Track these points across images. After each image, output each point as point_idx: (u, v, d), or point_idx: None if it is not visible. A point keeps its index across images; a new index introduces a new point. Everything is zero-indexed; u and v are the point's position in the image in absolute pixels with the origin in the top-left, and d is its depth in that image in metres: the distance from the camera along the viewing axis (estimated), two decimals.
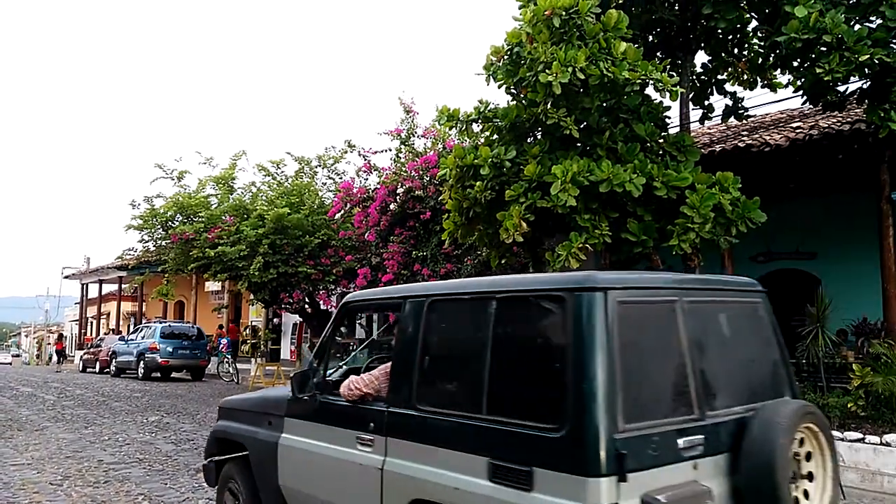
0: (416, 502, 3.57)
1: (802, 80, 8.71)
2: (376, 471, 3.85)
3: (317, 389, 4.51)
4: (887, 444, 7.43)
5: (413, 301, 4.02)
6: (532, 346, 3.35)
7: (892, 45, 8.00)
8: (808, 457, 3.55)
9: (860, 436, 7.69)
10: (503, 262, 10.80)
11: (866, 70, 8.00)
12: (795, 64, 8.75)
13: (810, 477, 3.55)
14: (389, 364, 4.15)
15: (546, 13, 8.08)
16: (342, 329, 5.07)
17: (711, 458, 3.25)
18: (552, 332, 3.24)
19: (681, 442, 3.13)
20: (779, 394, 3.79)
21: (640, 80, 8.12)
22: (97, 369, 27.03)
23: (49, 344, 56.89)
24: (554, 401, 3.06)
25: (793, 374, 4.02)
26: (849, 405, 8.20)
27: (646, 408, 3.12)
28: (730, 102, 11.09)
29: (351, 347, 20.86)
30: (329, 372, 4.50)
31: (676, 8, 9.93)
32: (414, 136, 15.55)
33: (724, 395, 3.48)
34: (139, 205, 18.80)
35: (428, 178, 14.18)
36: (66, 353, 35.48)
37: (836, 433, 7.73)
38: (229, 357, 21.62)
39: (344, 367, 5.17)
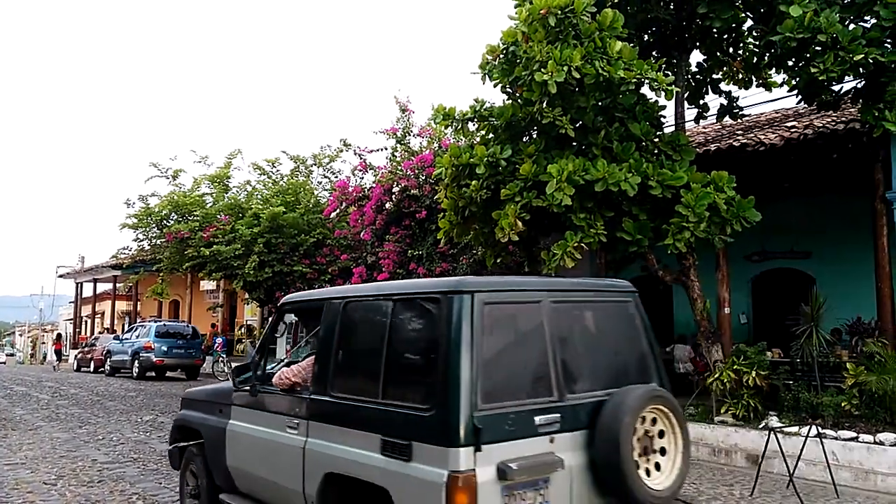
0: (329, 475, 4.10)
1: (797, 79, 8.73)
2: (300, 450, 4.38)
3: (256, 381, 5.04)
4: (881, 443, 7.45)
5: (332, 302, 4.60)
6: (415, 340, 3.97)
7: (886, 44, 8.02)
8: (661, 434, 4.07)
9: (854, 434, 7.71)
10: (499, 260, 10.81)
11: (861, 69, 8.02)
12: (790, 63, 8.77)
13: (663, 451, 4.06)
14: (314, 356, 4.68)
15: (542, 12, 8.09)
16: (279, 327, 5.84)
17: (569, 434, 3.82)
18: (429, 329, 3.80)
19: (538, 419, 3.70)
20: (645, 381, 4.27)
21: (635, 80, 8.14)
22: (92, 368, 26.94)
23: (43, 343, 56.74)
24: (428, 385, 3.63)
25: (660, 364, 4.53)
26: (843, 404, 8.23)
27: (504, 391, 3.68)
28: (725, 101, 11.12)
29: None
30: (272, 366, 4.89)
31: (672, 7, 9.94)
32: (410, 134, 15.55)
33: (584, 380, 4.04)
34: (134, 203, 18.73)
35: (424, 177, 14.17)
36: (63, 352, 35.38)
37: (829, 432, 7.76)
38: (224, 356, 21.57)
39: (286, 360, 5.60)
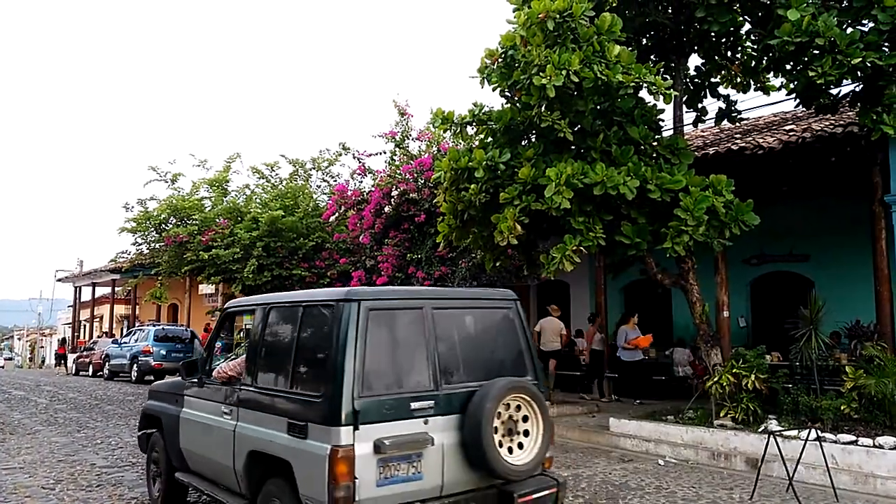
0: (251, 453, 4.90)
1: (795, 82, 8.75)
2: (231, 432, 5.21)
3: (203, 374, 5.95)
4: (880, 447, 7.45)
5: (260, 307, 5.45)
6: (314, 340, 4.69)
7: (884, 48, 8.04)
8: (525, 419, 4.79)
9: (853, 438, 7.70)
10: (497, 264, 10.81)
11: (859, 73, 8.04)
12: (788, 67, 8.79)
13: (526, 433, 4.78)
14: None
15: (540, 16, 8.10)
16: (224, 329, 6.73)
17: (442, 418, 4.54)
18: (324, 330, 4.55)
19: (413, 405, 4.43)
20: (520, 375, 5.03)
21: (633, 83, 8.14)
22: (90, 372, 26.88)
23: (42, 347, 56.63)
24: (320, 377, 4.40)
25: (536, 361, 5.29)
26: (842, 407, 8.22)
27: (383, 382, 4.41)
28: (723, 105, 11.13)
29: None
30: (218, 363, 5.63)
31: (670, 11, 9.96)
32: (408, 138, 15.54)
33: (460, 374, 4.76)
34: (132, 207, 18.69)
35: (422, 181, 14.17)
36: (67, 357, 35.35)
37: (829, 436, 7.75)
38: (222, 360, 21.55)
39: (233, 356, 6.16)
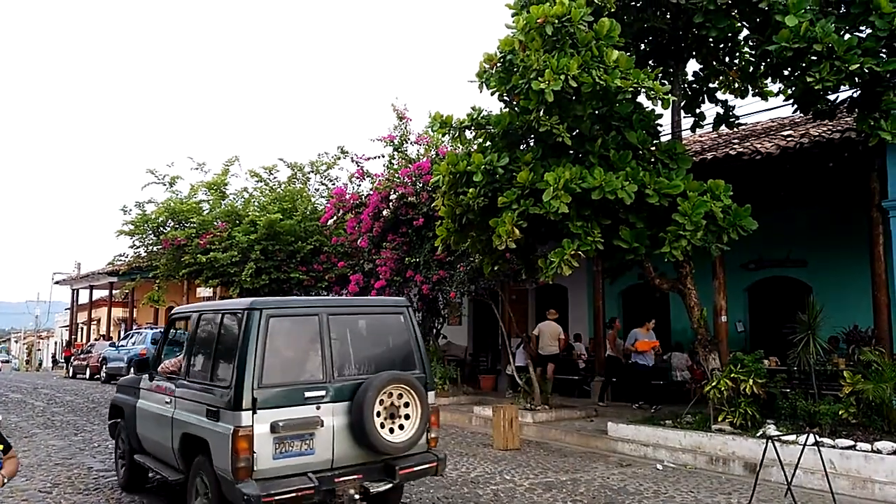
0: (184, 435, 5.85)
1: (793, 88, 8.78)
2: (170, 418, 6.20)
3: (153, 370, 7.00)
4: (878, 452, 7.45)
5: (194, 313, 6.56)
6: (228, 341, 5.65)
7: (881, 54, 8.07)
8: (407, 405, 5.73)
9: (851, 443, 7.70)
10: (496, 268, 10.81)
11: (856, 79, 8.07)
12: (786, 73, 8.82)
13: (407, 417, 5.73)
14: None
15: (539, 21, 8.12)
16: (171, 332, 7.74)
17: (333, 404, 5.46)
18: (235, 333, 5.51)
19: (307, 394, 5.36)
20: (410, 369, 5.96)
21: (632, 88, 8.16)
22: (87, 375, 26.81)
23: (39, 350, 56.46)
24: (230, 371, 5.35)
25: (425, 358, 6.18)
26: (840, 412, 8.23)
27: (280, 375, 5.36)
28: (721, 110, 11.16)
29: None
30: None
31: (668, 17, 9.98)
32: (407, 142, 15.57)
33: (351, 368, 5.72)
34: (130, 210, 18.71)
35: (421, 185, 14.19)
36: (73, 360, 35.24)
37: (827, 440, 7.76)
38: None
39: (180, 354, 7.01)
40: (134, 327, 29.04)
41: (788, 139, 10.85)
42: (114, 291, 33.51)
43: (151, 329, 23.77)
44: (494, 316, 14.92)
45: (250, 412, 5.09)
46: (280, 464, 5.18)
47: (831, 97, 9.03)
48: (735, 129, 12.18)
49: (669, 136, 10.36)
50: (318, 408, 5.40)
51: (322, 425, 5.37)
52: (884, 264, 9.42)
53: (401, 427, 5.71)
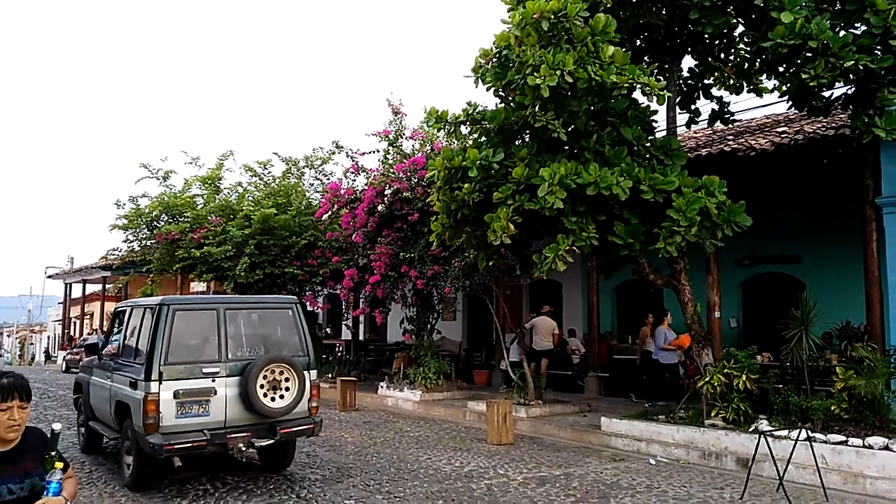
0: (117, 402, 7.51)
1: (788, 85, 8.79)
2: (109, 390, 7.92)
3: (100, 352, 8.79)
4: (870, 447, 7.49)
5: (128, 307, 8.40)
6: (145, 329, 7.33)
7: (876, 51, 8.08)
8: (287, 380, 7.37)
9: (843, 438, 7.74)
10: (490, 263, 10.81)
11: (851, 76, 8.08)
12: (781, 69, 8.82)
13: (287, 389, 7.35)
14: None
15: (535, 16, 8.10)
16: (116, 325, 8.80)
17: (227, 378, 7.11)
18: (150, 324, 7.18)
19: (205, 370, 7.03)
20: (294, 354, 7.65)
21: (627, 84, 8.16)
22: None
23: (32, 344, 56.20)
24: (145, 352, 7.04)
25: (308, 344, 7.83)
26: (832, 408, 8.27)
27: (183, 355, 7.03)
28: (716, 107, 11.17)
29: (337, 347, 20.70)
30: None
31: (664, 13, 9.98)
32: (402, 137, 15.52)
33: (244, 351, 7.39)
34: (124, 204, 18.59)
35: (416, 180, 14.15)
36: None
37: (819, 436, 7.79)
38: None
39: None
40: None
41: (783, 136, 10.87)
42: (107, 286, 33.39)
43: None
44: (489, 311, 14.93)
45: (157, 382, 6.79)
46: (181, 422, 6.84)
47: (826, 94, 9.04)
48: (730, 126, 12.20)
49: (664, 133, 10.36)
50: (213, 381, 7.08)
51: (216, 394, 7.05)
52: (877, 261, 9.45)
53: (281, 397, 7.33)
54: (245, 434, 7.11)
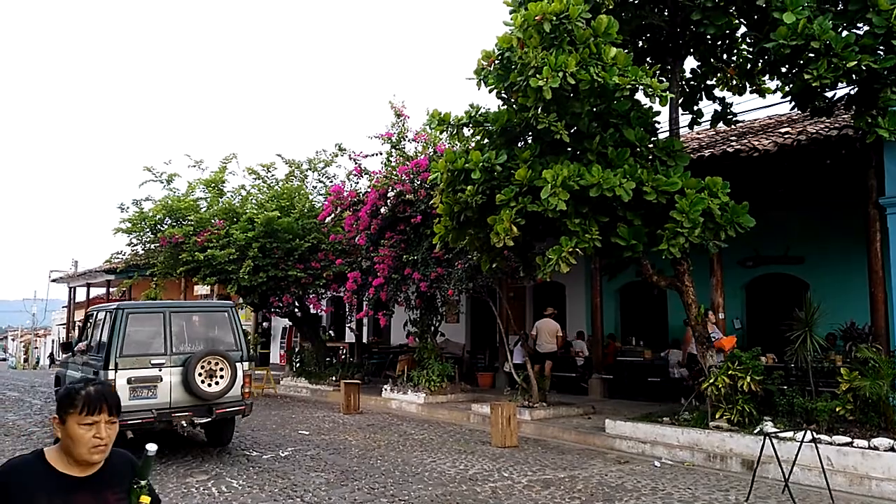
0: None
1: (791, 85, 8.78)
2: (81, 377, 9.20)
3: (73, 349, 10.61)
4: (875, 448, 7.47)
5: (95, 311, 10.15)
6: (106, 329, 8.88)
7: (879, 51, 8.07)
8: (222, 369, 8.90)
9: (848, 440, 7.72)
10: (494, 266, 10.80)
11: (854, 76, 8.08)
12: (784, 70, 8.82)
13: (222, 377, 8.88)
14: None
15: (537, 18, 8.11)
16: (86, 326, 10.54)
17: (171, 368, 8.69)
18: (109, 324, 8.78)
19: (153, 361, 8.63)
20: (229, 349, 9.18)
21: (630, 86, 8.15)
22: None
23: (36, 348, 56.31)
24: (105, 347, 8.65)
25: (241, 341, 9.44)
26: (837, 409, 8.24)
27: (134, 349, 8.62)
28: (719, 108, 11.16)
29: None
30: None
31: (666, 14, 9.98)
32: (405, 139, 15.52)
33: (185, 346, 9.01)
34: (128, 208, 18.58)
35: (419, 182, 14.16)
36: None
37: (824, 437, 7.77)
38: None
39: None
40: None
41: (786, 136, 10.86)
42: (111, 289, 33.43)
43: None
44: (492, 313, 14.92)
45: (114, 370, 8.45)
46: (133, 403, 8.40)
47: (829, 94, 9.03)
48: (733, 127, 12.19)
49: (667, 134, 10.36)
50: (159, 370, 8.73)
51: (162, 380, 8.71)
52: (881, 261, 9.43)
53: (216, 383, 8.94)
54: (187, 413, 8.83)
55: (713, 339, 10.79)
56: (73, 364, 10.28)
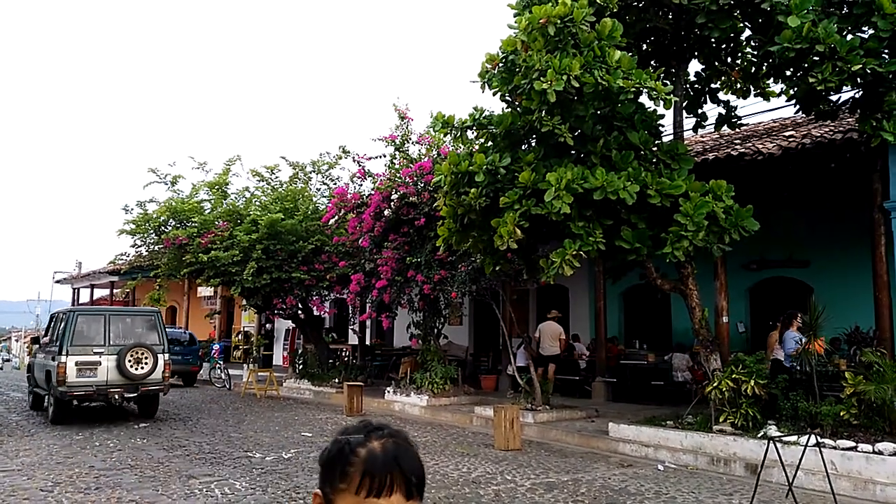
0: (46, 371, 12.53)
1: (795, 89, 8.77)
2: (44, 365, 12.90)
3: (40, 343, 13.98)
4: (880, 453, 7.45)
5: (57, 314, 13.64)
6: (61, 326, 12.37)
7: (884, 55, 8.06)
8: (146, 357, 12.22)
9: (853, 444, 7.70)
10: (497, 268, 10.80)
11: (859, 80, 8.06)
12: (788, 73, 8.81)
13: (146, 363, 12.19)
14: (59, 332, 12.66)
15: (541, 21, 8.11)
16: (51, 324, 13.50)
17: (108, 356, 12.05)
18: (64, 323, 12.29)
19: (94, 350, 12.01)
20: (154, 344, 12.45)
21: (634, 89, 8.16)
22: None
23: None
24: (59, 340, 12.17)
25: (164, 339, 12.69)
26: (841, 413, 8.21)
27: (81, 341, 11.97)
28: (723, 111, 11.15)
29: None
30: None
31: (670, 17, 9.98)
32: (408, 142, 15.55)
33: (120, 340, 12.26)
34: (132, 209, 18.65)
35: (422, 185, 14.17)
36: None
37: (828, 441, 7.75)
38: (221, 363, 21.51)
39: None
40: None
41: (790, 140, 10.84)
42: (115, 291, 33.50)
43: None
44: (495, 316, 14.91)
45: (65, 356, 11.58)
46: (79, 380, 11.68)
47: (833, 98, 9.02)
48: (737, 130, 12.16)
49: (671, 137, 10.35)
50: (99, 357, 11.91)
51: (101, 365, 11.89)
52: (885, 265, 9.41)
53: (142, 367, 12.12)
54: (119, 389, 12.01)
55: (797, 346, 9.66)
56: (40, 354, 13.51)
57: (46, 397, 12.84)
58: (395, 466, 1.28)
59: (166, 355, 12.51)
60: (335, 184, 18.93)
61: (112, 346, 12.01)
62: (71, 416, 12.31)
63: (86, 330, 11.97)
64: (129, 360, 11.89)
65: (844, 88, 8.46)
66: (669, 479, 8.13)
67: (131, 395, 12.12)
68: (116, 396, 11.98)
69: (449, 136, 10.56)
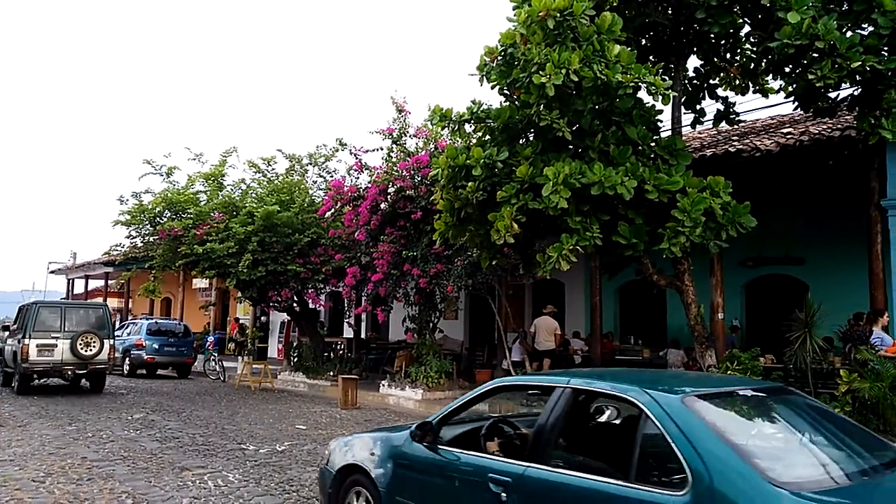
0: (13, 352, 15.88)
1: (794, 85, 8.76)
2: (12, 346, 16.09)
3: (10, 329, 16.88)
4: None
5: (24, 306, 16.62)
6: (25, 318, 15.67)
7: (883, 52, 8.05)
8: (94, 341, 15.30)
9: None
10: (494, 262, 10.77)
11: (858, 77, 8.05)
12: (787, 70, 8.79)
13: (94, 345, 15.32)
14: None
15: (540, 14, 8.07)
16: (19, 315, 16.41)
17: (64, 339, 15.13)
18: (28, 315, 15.59)
19: (52, 335, 15.11)
20: (102, 330, 15.67)
21: (632, 84, 8.12)
22: None
23: None
24: (24, 328, 15.47)
25: (109, 327, 16.06)
26: (836, 411, 8.21)
27: (41, 329, 15.06)
28: (721, 107, 11.14)
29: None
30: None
31: (670, 12, 9.95)
32: (406, 135, 15.49)
33: (75, 328, 15.40)
34: (127, 200, 18.55)
35: (419, 178, 14.13)
36: None
37: None
38: (215, 355, 21.44)
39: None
40: (130, 318, 28.98)
41: (788, 137, 10.84)
42: (110, 281, 33.40)
43: (147, 319, 23.73)
44: (491, 311, 14.91)
45: (28, 339, 14.57)
46: (39, 359, 14.66)
47: (832, 95, 9.01)
48: (735, 126, 12.17)
49: (669, 132, 10.33)
50: (56, 340, 14.78)
51: (57, 346, 14.75)
52: (882, 263, 9.42)
53: (91, 349, 14.99)
54: (71, 367, 14.99)
55: (883, 346, 9.10)
56: (10, 339, 16.34)
57: (14, 375, 15.65)
58: None
59: (112, 340, 15.73)
60: (332, 176, 18.85)
61: (67, 332, 15.05)
62: (32, 389, 15.38)
63: (46, 319, 15.07)
64: (80, 343, 14.95)
65: (843, 85, 8.45)
66: None
67: (81, 372, 15.29)
68: (69, 372, 15.15)
69: (446, 129, 10.52)
